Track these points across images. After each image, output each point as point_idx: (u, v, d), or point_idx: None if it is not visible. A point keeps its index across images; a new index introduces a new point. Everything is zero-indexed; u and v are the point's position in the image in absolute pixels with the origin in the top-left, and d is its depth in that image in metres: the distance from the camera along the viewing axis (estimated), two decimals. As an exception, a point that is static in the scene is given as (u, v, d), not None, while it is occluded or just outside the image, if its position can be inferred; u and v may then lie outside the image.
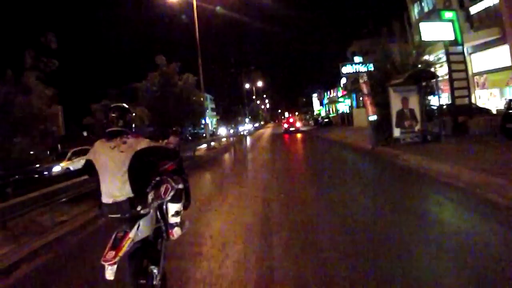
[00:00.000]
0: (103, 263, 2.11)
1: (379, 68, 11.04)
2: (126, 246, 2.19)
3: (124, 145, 2.29)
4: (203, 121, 22.35)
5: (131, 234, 2.24)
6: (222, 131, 41.78)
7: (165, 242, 2.83)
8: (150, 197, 2.40)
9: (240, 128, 42.29)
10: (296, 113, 68.62)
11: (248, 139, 31.18)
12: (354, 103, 34.04)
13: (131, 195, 2.27)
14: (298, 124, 34.29)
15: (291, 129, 32.14)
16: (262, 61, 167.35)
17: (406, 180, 6.53)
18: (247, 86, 62.04)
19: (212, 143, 19.39)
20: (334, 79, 54.89)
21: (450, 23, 12.93)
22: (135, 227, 2.29)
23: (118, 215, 2.30)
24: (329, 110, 61.72)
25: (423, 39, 12.15)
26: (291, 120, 34.54)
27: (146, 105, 15.56)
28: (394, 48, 11.99)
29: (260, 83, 67.89)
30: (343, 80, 50.55)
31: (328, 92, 60.91)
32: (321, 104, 66.34)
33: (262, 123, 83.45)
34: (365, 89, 22.45)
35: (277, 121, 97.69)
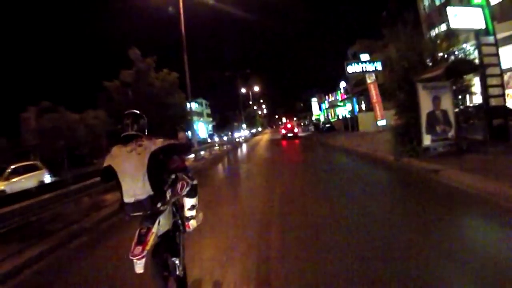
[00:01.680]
0: (131, 258, 2.20)
1: (405, 59, 8.82)
2: (151, 240, 2.31)
3: (140, 147, 2.43)
4: (195, 127, 20.11)
5: (154, 229, 2.38)
6: (217, 138, 39.62)
7: (183, 235, 2.94)
8: (168, 194, 2.54)
9: (236, 135, 40.07)
10: (295, 118, 66.89)
11: (244, 146, 29.04)
12: (355, 107, 32.00)
13: (151, 193, 2.39)
14: (297, 130, 33.21)
15: (289, 134, 31.00)
16: (259, 66, 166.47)
17: (473, 216, 4.37)
18: (243, 90, 59.86)
19: (202, 153, 17.11)
20: (333, 83, 53.37)
21: (480, 9, 10.92)
22: (156, 222, 2.42)
23: (140, 213, 2.42)
24: (327, 115, 59.91)
25: (451, 26, 10.10)
26: (289, 125, 33.44)
27: (117, 109, 13.16)
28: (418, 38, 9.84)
29: (256, 88, 65.79)
30: (343, 84, 48.98)
31: (327, 97, 59.17)
32: (320, 109, 64.64)
33: (259, 129, 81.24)
34: (373, 90, 20.53)
35: (274, 126, 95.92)
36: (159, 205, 2.41)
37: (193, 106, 73.80)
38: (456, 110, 9.56)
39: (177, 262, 2.60)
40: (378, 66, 19.45)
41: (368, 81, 19.51)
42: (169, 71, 15.01)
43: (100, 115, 27.58)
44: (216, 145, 22.44)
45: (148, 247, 2.26)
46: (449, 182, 5.96)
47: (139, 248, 2.22)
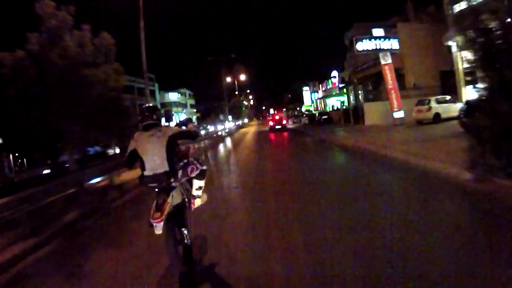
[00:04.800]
0: (151, 221, 2.71)
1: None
2: (167, 208, 2.82)
3: (160, 132, 3.00)
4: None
5: (169, 200, 2.89)
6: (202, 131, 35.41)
7: (189, 211, 3.37)
8: (180, 173, 3.12)
9: (219, 127, 36.06)
10: (284, 110, 63.70)
11: (228, 142, 25.11)
12: (359, 96, 28.30)
13: (167, 169, 2.95)
14: (285, 122, 31.70)
15: (277, 127, 29.59)
16: (246, 55, 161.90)
17: None
18: (228, 80, 55.39)
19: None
20: (324, 72, 50.17)
21: None
22: (170, 195, 2.93)
23: (156, 184, 2.97)
24: (317, 106, 56.50)
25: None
26: (277, 117, 31.69)
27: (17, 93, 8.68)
28: None
29: (243, 77, 61.25)
30: (335, 73, 45.33)
31: (320, 86, 55.81)
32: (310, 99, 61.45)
33: (246, 120, 77.24)
34: (389, 74, 16.81)
35: (261, 118, 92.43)
36: (172, 180, 2.97)
37: (175, 96, 69.34)
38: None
39: (185, 232, 3.04)
40: (395, 43, 15.74)
41: (382, 62, 15.64)
42: (92, 30, 9.82)
43: None
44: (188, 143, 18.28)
45: (165, 213, 2.76)
46: None
47: (158, 213, 2.74)
